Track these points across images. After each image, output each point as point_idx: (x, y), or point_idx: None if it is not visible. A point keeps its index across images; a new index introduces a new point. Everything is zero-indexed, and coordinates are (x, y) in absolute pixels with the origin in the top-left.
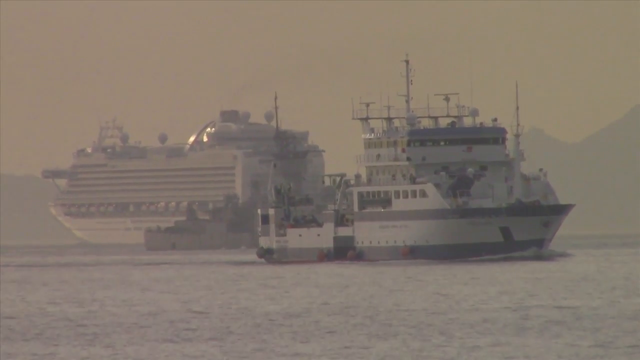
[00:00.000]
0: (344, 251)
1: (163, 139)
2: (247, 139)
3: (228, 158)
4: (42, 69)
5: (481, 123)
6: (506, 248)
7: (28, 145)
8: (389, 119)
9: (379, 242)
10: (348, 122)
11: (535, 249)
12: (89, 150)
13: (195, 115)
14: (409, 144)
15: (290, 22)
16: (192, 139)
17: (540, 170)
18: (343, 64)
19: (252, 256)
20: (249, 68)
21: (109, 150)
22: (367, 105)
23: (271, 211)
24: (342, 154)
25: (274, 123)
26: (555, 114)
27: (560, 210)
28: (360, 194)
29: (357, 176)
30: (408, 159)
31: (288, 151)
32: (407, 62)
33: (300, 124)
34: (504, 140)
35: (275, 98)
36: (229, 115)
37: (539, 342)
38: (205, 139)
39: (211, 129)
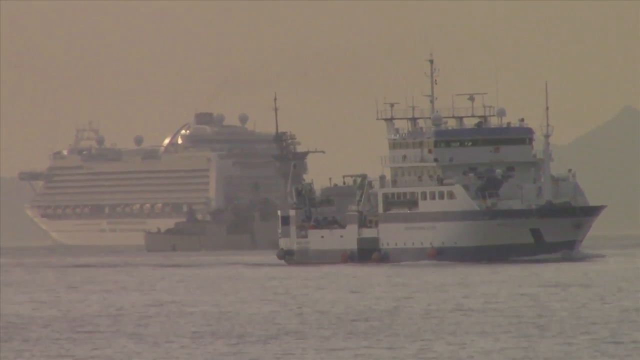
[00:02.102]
0: (368, 253)
1: (139, 141)
2: (222, 141)
3: (202, 160)
4: (18, 71)
5: (508, 123)
6: (536, 250)
7: (5, 148)
8: (414, 120)
9: (404, 244)
10: (337, 123)
11: (566, 251)
12: (65, 152)
13: (170, 118)
14: (435, 145)
15: (283, 23)
16: (166, 141)
17: (569, 171)
18: (342, 65)
19: (264, 258)
20: (225, 70)
21: (84, 152)
22: (392, 105)
23: (292, 212)
24: (334, 155)
25: (248, 125)
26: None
27: (592, 211)
28: (386, 195)
29: (382, 177)
30: (435, 160)
31: (288, 152)
32: (431, 61)
33: (284, 126)
34: (531, 140)
35: (275, 99)
36: (204, 118)
37: None
38: (179, 141)
39: (186, 131)
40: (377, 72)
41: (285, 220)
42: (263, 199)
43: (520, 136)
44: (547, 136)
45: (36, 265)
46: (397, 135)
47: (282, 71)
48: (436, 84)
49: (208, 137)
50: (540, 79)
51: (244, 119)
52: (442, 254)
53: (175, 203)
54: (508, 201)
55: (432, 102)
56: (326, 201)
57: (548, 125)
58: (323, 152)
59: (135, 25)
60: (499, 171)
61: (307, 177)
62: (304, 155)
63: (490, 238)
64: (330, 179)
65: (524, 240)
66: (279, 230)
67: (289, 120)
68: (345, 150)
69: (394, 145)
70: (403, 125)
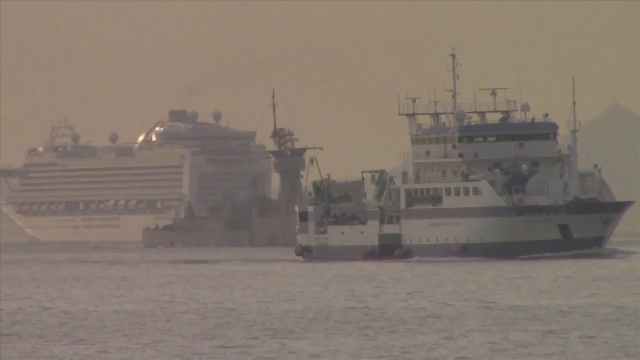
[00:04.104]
0: (390, 249)
1: (113, 138)
2: (195, 138)
3: (176, 157)
4: None
5: (533, 118)
6: (565, 246)
7: None
8: (436, 115)
9: (428, 240)
10: (335, 120)
11: (595, 247)
12: (41, 149)
13: (145, 115)
14: (460, 140)
15: (298, 17)
16: (141, 138)
17: (595, 166)
18: (336, 61)
19: (281, 254)
20: (198, 69)
21: (60, 149)
22: (414, 100)
23: (310, 208)
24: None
25: (221, 122)
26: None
27: (620, 207)
28: (408, 191)
29: (404, 173)
30: (460, 155)
31: (286, 149)
32: (453, 56)
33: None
34: (555, 135)
35: (273, 95)
36: (178, 115)
37: None
38: (154, 138)
39: (160, 128)
40: (398, 68)
41: (303, 216)
42: (261, 195)
43: (545, 131)
44: (574, 131)
45: (64, 260)
46: (420, 131)
47: (283, 66)
48: (458, 78)
49: (182, 134)
50: (558, 74)
51: (217, 116)
52: (467, 251)
53: (149, 199)
54: (534, 197)
55: (454, 97)
56: (345, 197)
57: (575, 120)
58: (321, 148)
59: (111, 23)
60: (524, 167)
61: (303, 173)
62: (301, 151)
63: (517, 234)
64: (328, 175)
65: (551, 237)
66: (297, 226)
67: (285, 116)
68: (344, 147)
69: (416, 140)
70: (424, 121)
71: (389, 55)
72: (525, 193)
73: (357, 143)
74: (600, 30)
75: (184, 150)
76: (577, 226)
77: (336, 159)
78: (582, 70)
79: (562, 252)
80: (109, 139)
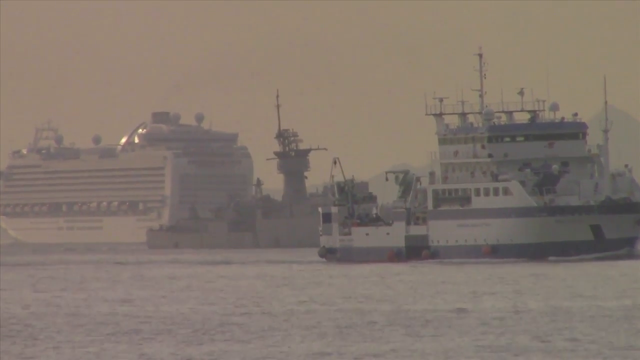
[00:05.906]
0: (417, 250)
1: (97, 140)
2: (178, 140)
3: (158, 159)
4: None
5: (562, 118)
6: (597, 247)
7: None
8: (463, 115)
9: (457, 241)
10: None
11: (627, 248)
12: (24, 151)
13: (128, 117)
14: (489, 140)
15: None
16: (124, 140)
17: (626, 166)
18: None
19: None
20: (182, 70)
21: (43, 151)
22: (441, 100)
23: (334, 209)
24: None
25: (204, 124)
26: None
27: None
28: (436, 192)
29: (431, 173)
30: (489, 155)
31: (290, 149)
32: (480, 55)
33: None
34: (584, 135)
35: (277, 96)
36: (160, 117)
37: None
38: (136, 140)
39: (143, 130)
40: (424, 67)
41: (327, 217)
42: (265, 196)
43: (575, 131)
44: (605, 131)
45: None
46: (447, 131)
47: (289, 66)
48: (485, 78)
49: (164, 136)
50: (586, 73)
51: (199, 118)
52: (497, 252)
53: (132, 201)
54: (565, 197)
55: (481, 96)
56: (368, 198)
57: (607, 119)
58: (325, 149)
59: (94, 25)
60: (555, 167)
61: (309, 174)
62: (306, 152)
63: (548, 235)
64: (332, 176)
65: (583, 237)
66: (320, 228)
67: (289, 118)
68: (349, 148)
69: (444, 141)
70: (452, 121)
71: (415, 55)
72: (556, 193)
73: (364, 144)
74: (600, 31)
75: (166, 152)
76: (609, 226)
77: (343, 160)
78: (571, 69)
79: (595, 254)
80: (92, 141)
